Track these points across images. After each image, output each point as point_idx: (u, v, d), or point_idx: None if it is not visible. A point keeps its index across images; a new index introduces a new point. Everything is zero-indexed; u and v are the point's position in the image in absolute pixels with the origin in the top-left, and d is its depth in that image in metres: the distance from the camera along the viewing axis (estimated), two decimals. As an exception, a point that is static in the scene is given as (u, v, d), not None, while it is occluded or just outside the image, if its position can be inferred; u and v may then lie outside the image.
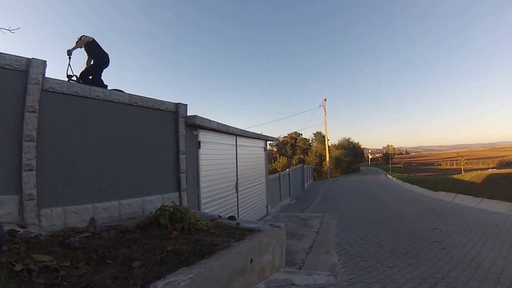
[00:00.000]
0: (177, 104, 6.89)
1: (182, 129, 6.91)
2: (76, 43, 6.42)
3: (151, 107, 6.25)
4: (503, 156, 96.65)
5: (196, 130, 7.52)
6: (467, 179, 19.78)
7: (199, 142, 7.60)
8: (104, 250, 3.36)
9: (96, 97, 5.29)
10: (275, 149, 57.47)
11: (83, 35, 6.46)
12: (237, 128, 9.67)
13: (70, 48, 6.17)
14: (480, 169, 35.58)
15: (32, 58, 4.57)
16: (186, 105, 7.09)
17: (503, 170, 23.58)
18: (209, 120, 7.66)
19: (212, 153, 8.30)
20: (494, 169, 28.41)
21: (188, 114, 7.10)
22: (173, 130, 6.81)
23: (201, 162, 7.60)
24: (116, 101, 5.58)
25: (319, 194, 23.95)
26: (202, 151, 7.69)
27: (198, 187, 7.38)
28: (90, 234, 4.09)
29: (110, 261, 3.16)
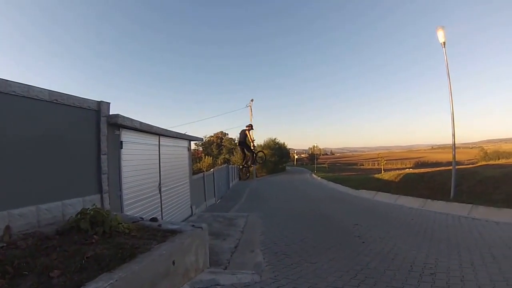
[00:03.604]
0: (99, 102, 6.61)
1: (104, 128, 6.65)
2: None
3: (72, 105, 5.89)
4: (419, 157, 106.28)
5: (119, 130, 7.29)
6: (386, 178, 21.37)
7: (121, 142, 7.37)
8: (21, 261, 3.17)
9: (13, 93, 4.82)
10: (200, 148, 57.14)
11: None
12: (160, 128, 9.54)
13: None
14: (399, 169, 38.49)
15: None
16: (109, 103, 6.83)
17: (418, 170, 25.79)
18: (132, 119, 7.46)
19: (135, 153, 8.09)
20: (411, 169, 30.96)
21: (110, 113, 6.85)
22: (94, 129, 6.51)
23: (123, 163, 7.39)
24: (35, 97, 5.15)
25: (245, 193, 24.24)
26: (124, 151, 7.46)
27: (120, 189, 7.17)
28: (5, 244, 3.80)
29: (27, 273, 3.00)
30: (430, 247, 6.75)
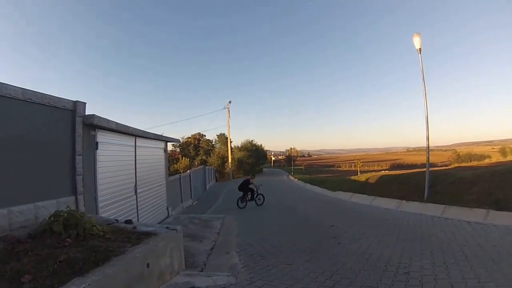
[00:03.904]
0: (75, 102, 6.48)
1: (79, 128, 6.52)
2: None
3: (47, 104, 5.74)
4: (395, 159, 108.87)
5: (94, 130, 7.17)
6: (362, 179, 21.71)
7: (96, 143, 7.26)
8: (-9, 267, 3.08)
9: (-16, 91, 4.73)
10: (178, 149, 56.79)
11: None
12: (137, 129, 9.44)
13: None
14: (375, 171, 39.20)
15: None
16: (85, 103, 6.71)
17: (394, 171, 26.33)
18: (108, 120, 7.37)
19: (111, 154, 7.98)
20: (387, 171, 31.59)
21: (86, 113, 6.73)
22: (69, 129, 6.38)
23: (99, 164, 7.27)
24: (8, 96, 4.97)
25: (221, 195, 24.20)
26: (100, 152, 7.35)
27: (95, 190, 7.05)
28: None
29: (-3, 278, 2.91)
30: (404, 247, 6.90)
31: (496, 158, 39.11)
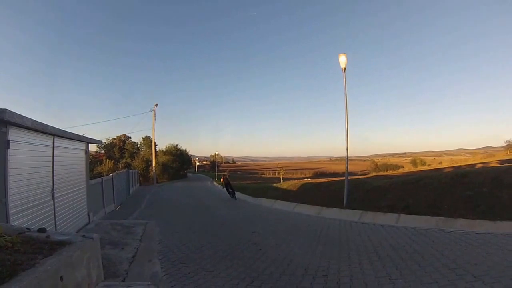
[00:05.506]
0: (-17, 95, 5.82)
1: (-13, 124, 5.85)
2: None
3: None
4: (318, 168, 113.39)
5: (6, 127, 6.42)
6: (285, 187, 22.08)
7: (8, 141, 6.50)
8: None
9: None
10: (103, 151, 54.51)
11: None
12: (56, 128, 8.67)
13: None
14: (297, 178, 40.33)
15: None
16: (-4, 97, 6.07)
17: (316, 179, 27.32)
18: (22, 117, 6.68)
19: (25, 154, 7.24)
20: (309, 179, 32.59)
21: (-4, 107, 6.01)
22: (-25, 125, 5.68)
23: (11, 165, 6.52)
24: None
25: (145, 199, 23.61)
26: (12, 151, 6.60)
27: (6, 195, 6.28)
28: None
29: None
30: (323, 251, 7.26)
31: (408, 168, 42.59)
